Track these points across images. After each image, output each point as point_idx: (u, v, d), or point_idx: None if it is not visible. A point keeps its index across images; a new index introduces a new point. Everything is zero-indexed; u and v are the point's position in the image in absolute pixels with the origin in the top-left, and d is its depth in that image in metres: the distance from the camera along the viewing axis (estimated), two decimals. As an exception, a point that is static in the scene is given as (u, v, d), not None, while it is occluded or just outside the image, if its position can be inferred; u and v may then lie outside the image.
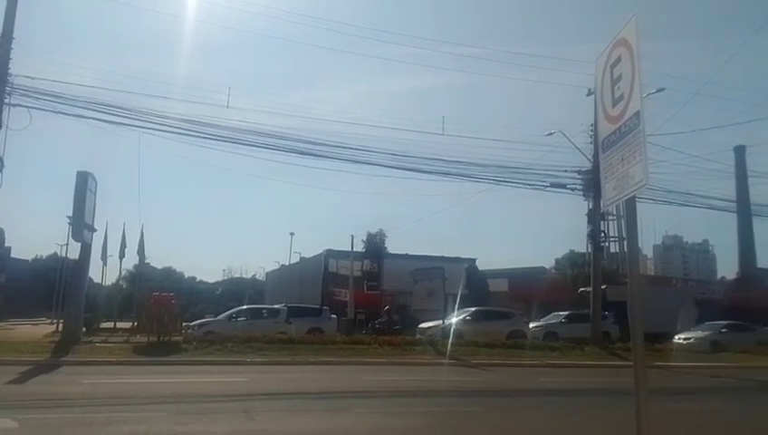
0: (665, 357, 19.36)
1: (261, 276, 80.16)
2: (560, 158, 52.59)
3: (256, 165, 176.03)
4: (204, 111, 79.60)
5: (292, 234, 58.78)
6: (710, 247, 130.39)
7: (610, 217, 45.17)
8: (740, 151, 59.75)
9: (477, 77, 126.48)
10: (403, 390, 11.42)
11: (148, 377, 12.00)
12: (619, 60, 3.86)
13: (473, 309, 26.04)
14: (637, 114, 3.67)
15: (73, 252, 28.61)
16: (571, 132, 24.27)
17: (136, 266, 40.56)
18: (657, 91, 21.75)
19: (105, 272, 46.29)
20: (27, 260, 77.86)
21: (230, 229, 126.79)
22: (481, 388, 12.27)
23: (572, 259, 53.07)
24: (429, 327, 22.93)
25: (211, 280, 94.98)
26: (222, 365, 14.28)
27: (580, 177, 23.88)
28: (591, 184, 23.03)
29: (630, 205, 3.97)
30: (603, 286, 25.50)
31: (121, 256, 28.64)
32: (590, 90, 22.69)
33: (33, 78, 17.25)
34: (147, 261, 32.73)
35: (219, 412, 8.01)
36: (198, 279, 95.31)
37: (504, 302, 38.04)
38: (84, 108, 18.20)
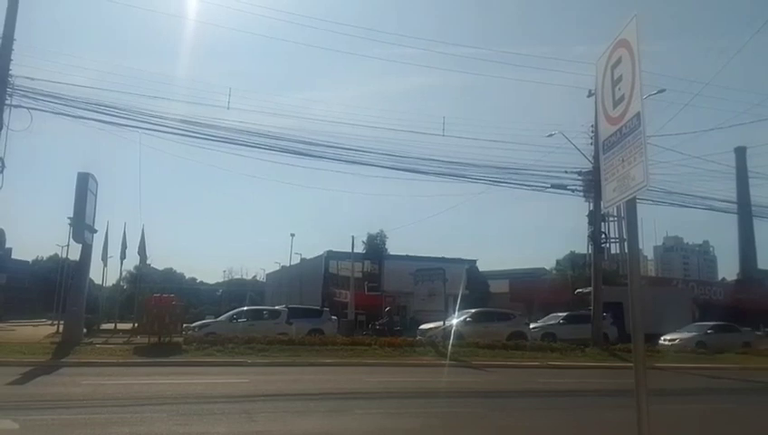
0: (665, 358, 19.36)
1: (261, 278, 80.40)
2: (560, 159, 52.62)
3: (257, 166, 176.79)
4: (204, 112, 79.83)
5: (292, 235, 58.76)
6: (711, 249, 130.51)
7: (611, 219, 45.31)
8: (741, 152, 59.81)
9: (477, 78, 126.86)
10: (404, 391, 11.42)
11: (149, 378, 11.99)
12: (619, 61, 3.86)
13: (473, 310, 26.10)
14: (637, 115, 3.66)
15: (74, 253, 28.64)
16: (571, 133, 24.28)
17: (137, 267, 40.79)
18: (658, 92, 21.76)
19: (106, 273, 46.49)
20: (28, 261, 78.14)
21: (231, 230, 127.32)
22: (482, 389, 12.26)
23: (573, 260, 53.18)
24: (430, 328, 22.94)
25: (211, 281, 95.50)
26: (222, 366, 14.28)
27: (580, 178, 23.87)
28: (592, 185, 23.04)
29: (631, 206, 3.97)
30: None
31: (122, 257, 28.75)
32: (590, 91, 22.68)
33: (33, 79, 17.29)
34: (148, 262, 32.71)
35: (220, 413, 8.01)
36: (199, 280, 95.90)
37: (504, 303, 38.06)
38: (85, 109, 18.24)
